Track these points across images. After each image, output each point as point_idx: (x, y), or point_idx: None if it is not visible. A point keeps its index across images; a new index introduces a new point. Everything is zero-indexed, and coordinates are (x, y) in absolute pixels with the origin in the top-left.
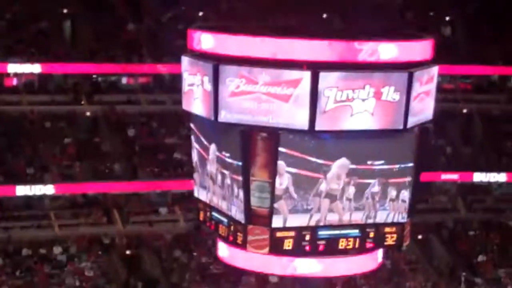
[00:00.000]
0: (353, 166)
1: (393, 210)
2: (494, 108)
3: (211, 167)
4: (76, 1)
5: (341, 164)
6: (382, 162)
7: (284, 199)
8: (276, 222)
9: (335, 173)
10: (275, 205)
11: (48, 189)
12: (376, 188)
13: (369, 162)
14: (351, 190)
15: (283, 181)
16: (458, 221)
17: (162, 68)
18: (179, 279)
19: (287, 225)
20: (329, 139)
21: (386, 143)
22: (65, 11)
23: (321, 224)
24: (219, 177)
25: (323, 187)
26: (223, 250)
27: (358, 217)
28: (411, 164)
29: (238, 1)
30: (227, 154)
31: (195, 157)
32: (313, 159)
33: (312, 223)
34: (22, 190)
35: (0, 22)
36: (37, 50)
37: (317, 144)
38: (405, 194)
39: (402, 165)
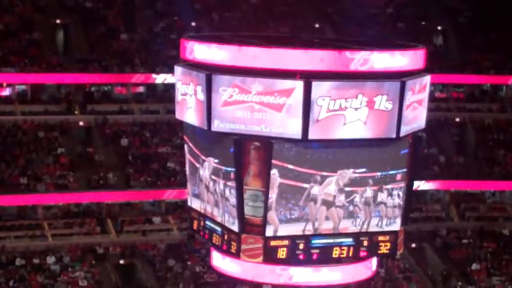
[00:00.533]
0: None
1: (383, 216)
2: (486, 117)
3: (204, 176)
4: (69, 12)
5: (342, 172)
6: (364, 169)
7: (273, 210)
8: (268, 232)
9: (335, 181)
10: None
11: None
12: (369, 193)
13: (351, 170)
14: (342, 197)
15: (272, 193)
16: (452, 230)
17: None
18: None
19: (278, 234)
20: (314, 148)
21: (372, 152)
22: (58, 21)
23: (316, 232)
24: (212, 185)
25: (315, 192)
26: (217, 259)
27: (351, 225)
28: (392, 172)
29: (231, 11)
30: (220, 163)
31: (188, 166)
32: (298, 168)
33: (307, 232)
34: None
35: None
36: (30, 60)
37: (301, 153)
38: (391, 201)
39: (384, 173)
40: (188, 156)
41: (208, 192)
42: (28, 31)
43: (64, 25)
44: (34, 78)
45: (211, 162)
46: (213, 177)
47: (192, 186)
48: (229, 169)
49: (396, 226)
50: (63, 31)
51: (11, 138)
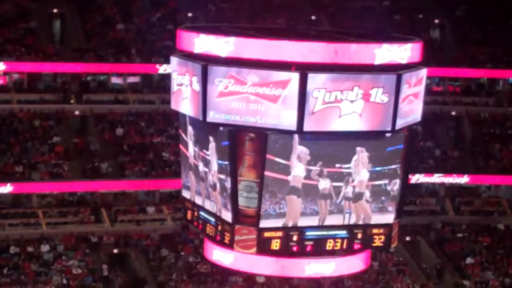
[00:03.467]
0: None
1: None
2: (482, 110)
3: (199, 167)
4: (66, 1)
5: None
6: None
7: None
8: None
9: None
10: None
11: None
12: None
13: (337, 165)
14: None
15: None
16: (446, 224)
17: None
18: (166, 278)
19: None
20: (307, 140)
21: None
22: (54, 10)
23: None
24: (207, 176)
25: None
26: (211, 250)
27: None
28: (379, 168)
29: (227, 2)
30: (214, 154)
31: (182, 156)
32: (280, 160)
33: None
34: None
35: None
36: (27, 49)
37: (288, 146)
38: (387, 195)
39: (376, 169)
40: (182, 146)
41: (203, 182)
42: (24, 20)
43: (60, 14)
44: (30, 67)
45: (205, 152)
46: (207, 167)
47: (187, 176)
48: (223, 159)
49: (390, 219)
50: (59, 20)
51: (6, 126)
